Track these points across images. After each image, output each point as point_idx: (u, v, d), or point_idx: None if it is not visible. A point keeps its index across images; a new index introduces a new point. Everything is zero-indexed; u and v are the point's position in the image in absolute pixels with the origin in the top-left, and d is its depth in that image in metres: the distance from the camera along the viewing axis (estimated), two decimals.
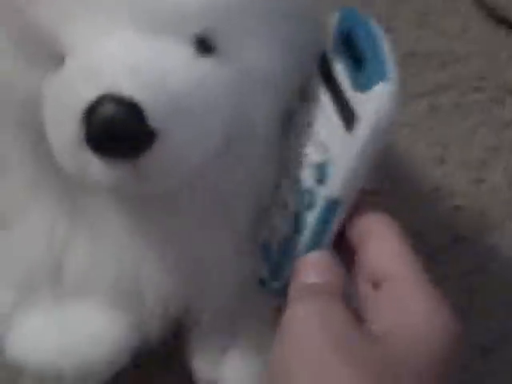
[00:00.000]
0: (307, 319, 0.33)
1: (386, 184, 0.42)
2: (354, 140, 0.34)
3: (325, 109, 0.37)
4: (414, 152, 0.65)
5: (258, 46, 0.36)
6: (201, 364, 0.47)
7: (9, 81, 0.36)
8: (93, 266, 0.41)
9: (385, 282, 0.33)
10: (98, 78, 0.32)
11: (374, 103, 0.33)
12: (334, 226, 0.36)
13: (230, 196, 0.39)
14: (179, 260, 0.40)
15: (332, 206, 0.35)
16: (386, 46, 0.34)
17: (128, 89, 0.31)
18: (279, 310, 0.35)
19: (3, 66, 0.37)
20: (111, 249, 0.40)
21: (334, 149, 0.35)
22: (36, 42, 0.35)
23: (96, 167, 0.33)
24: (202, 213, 0.39)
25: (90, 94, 0.32)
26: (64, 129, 0.33)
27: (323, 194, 0.36)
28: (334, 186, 0.35)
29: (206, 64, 0.35)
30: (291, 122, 0.39)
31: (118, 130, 0.31)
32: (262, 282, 0.40)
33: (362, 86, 0.34)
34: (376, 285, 0.34)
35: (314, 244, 0.36)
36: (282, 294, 0.36)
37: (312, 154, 0.37)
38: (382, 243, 0.34)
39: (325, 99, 0.37)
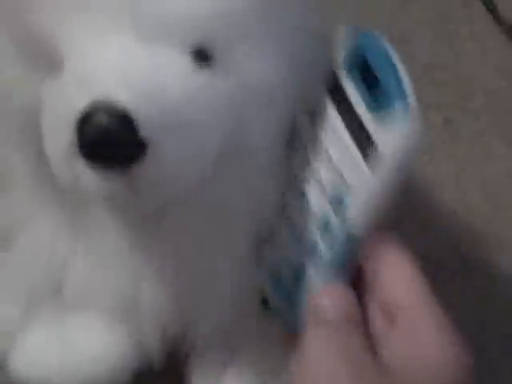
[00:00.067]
0: (324, 345, 0.32)
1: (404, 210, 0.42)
2: (376, 178, 0.33)
3: (335, 127, 0.36)
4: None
5: (262, 59, 0.35)
6: (200, 381, 0.47)
7: (9, 89, 0.36)
8: (92, 281, 0.41)
9: (397, 311, 0.33)
10: (90, 85, 0.32)
11: (397, 139, 0.32)
12: (353, 259, 0.35)
13: (229, 213, 0.38)
14: (178, 276, 0.40)
15: (351, 240, 0.34)
16: (400, 66, 0.33)
17: (121, 97, 0.31)
18: (290, 336, 0.35)
19: (4, 74, 0.36)
20: (111, 264, 0.40)
21: (350, 178, 0.34)
22: (36, 47, 0.34)
23: (88, 177, 0.32)
24: (198, 230, 0.38)
25: (82, 102, 0.31)
26: (58, 137, 0.33)
27: (341, 227, 0.35)
28: (354, 221, 0.34)
29: (203, 76, 0.34)
30: (297, 138, 0.38)
31: (109, 138, 0.31)
32: (264, 303, 0.40)
33: (379, 108, 0.33)
34: (388, 314, 0.33)
35: (331, 277, 0.35)
36: (295, 327, 0.35)
37: (323, 174, 0.36)
38: (394, 272, 0.34)
39: (333, 115, 0.36)
